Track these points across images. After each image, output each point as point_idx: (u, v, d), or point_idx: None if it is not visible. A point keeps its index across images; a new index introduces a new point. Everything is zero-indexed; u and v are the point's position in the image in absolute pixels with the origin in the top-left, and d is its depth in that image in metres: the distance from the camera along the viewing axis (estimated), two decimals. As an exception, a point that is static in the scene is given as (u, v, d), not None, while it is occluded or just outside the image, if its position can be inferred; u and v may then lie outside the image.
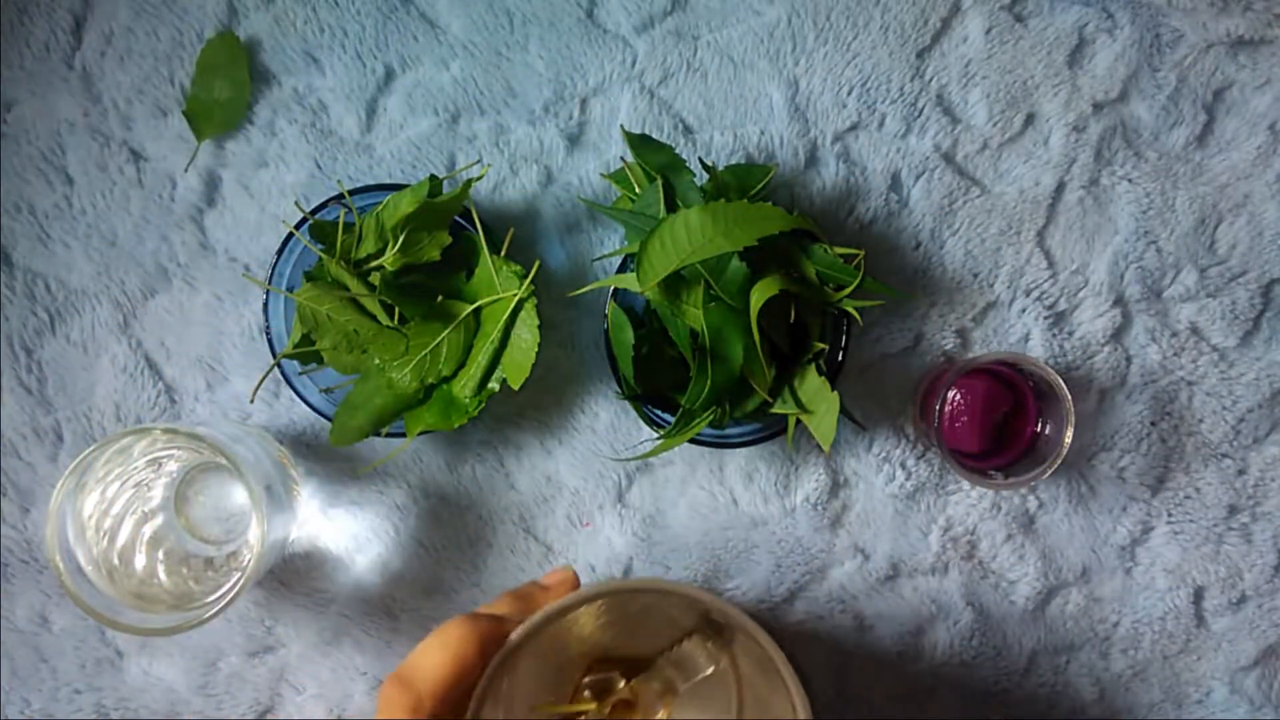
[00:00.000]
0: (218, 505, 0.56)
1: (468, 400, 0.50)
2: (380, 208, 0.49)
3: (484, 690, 0.40)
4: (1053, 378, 0.52)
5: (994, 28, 0.55)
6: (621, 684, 0.47)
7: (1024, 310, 0.56)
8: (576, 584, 0.46)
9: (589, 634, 0.47)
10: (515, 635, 0.39)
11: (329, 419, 0.50)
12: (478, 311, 0.50)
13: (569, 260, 0.56)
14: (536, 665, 0.47)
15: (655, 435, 0.51)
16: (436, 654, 0.39)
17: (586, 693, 0.48)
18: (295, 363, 0.52)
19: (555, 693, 0.49)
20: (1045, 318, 0.56)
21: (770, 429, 0.51)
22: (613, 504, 0.56)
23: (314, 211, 0.50)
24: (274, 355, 0.51)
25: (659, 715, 0.47)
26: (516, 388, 0.49)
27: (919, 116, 0.55)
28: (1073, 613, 0.58)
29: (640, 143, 0.50)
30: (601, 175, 0.54)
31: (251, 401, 0.55)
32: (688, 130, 0.55)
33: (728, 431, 0.52)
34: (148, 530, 0.54)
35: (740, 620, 0.40)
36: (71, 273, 0.56)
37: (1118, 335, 0.56)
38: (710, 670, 0.46)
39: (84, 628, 0.57)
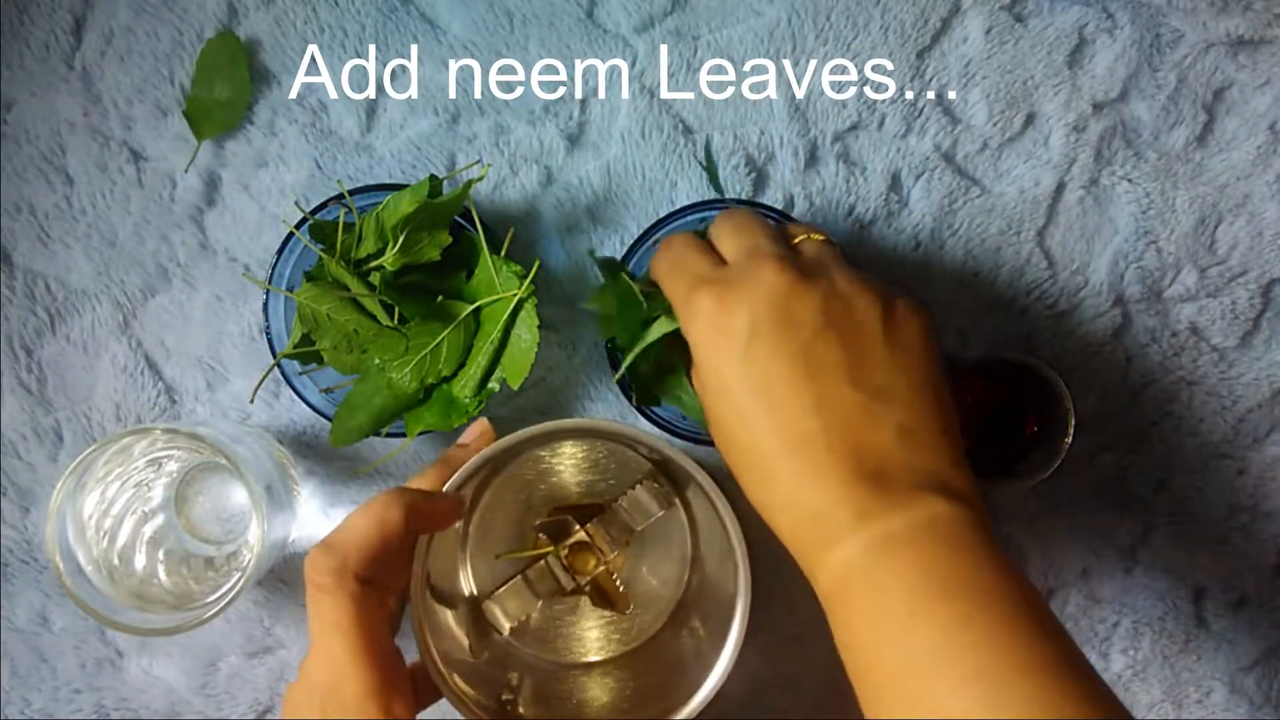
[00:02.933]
0: (218, 505, 0.56)
1: (468, 400, 0.50)
2: (380, 208, 0.49)
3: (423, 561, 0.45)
4: (1053, 378, 0.52)
5: (994, 28, 0.55)
6: (576, 527, 0.50)
7: (1024, 310, 0.56)
8: (492, 434, 0.50)
9: (547, 485, 0.54)
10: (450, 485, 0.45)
11: (329, 419, 0.51)
12: (478, 311, 0.50)
13: (569, 260, 0.56)
14: (500, 518, 0.51)
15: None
16: (361, 522, 0.42)
17: (541, 535, 0.52)
18: (295, 363, 0.52)
19: (518, 542, 0.54)
20: (1045, 318, 0.56)
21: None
22: (613, 504, 0.56)
23: (314, 211, 0.50)
24: (274, 355, 0.51)
25: (615, 555, 0.51)
26: (516, 388, 0.49)
27: (919, 116, 0.55)
28: (1072, 613, 0.58)
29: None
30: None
31: (251, 401, 0.55)
32: (688, 130, 0.55)
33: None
34: (148, 530, 0.54)
35: (687, 466, 0.46)
36: (71, 273, 0.56)
37: (1118, 335, 0.56)
38: (662, 513, 0.52)
39: (84, 628, 0.57)
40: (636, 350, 0.45)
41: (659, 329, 0.45)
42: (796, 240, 0.43)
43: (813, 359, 0.38)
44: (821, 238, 0.43)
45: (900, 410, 0.38)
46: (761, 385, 0.38)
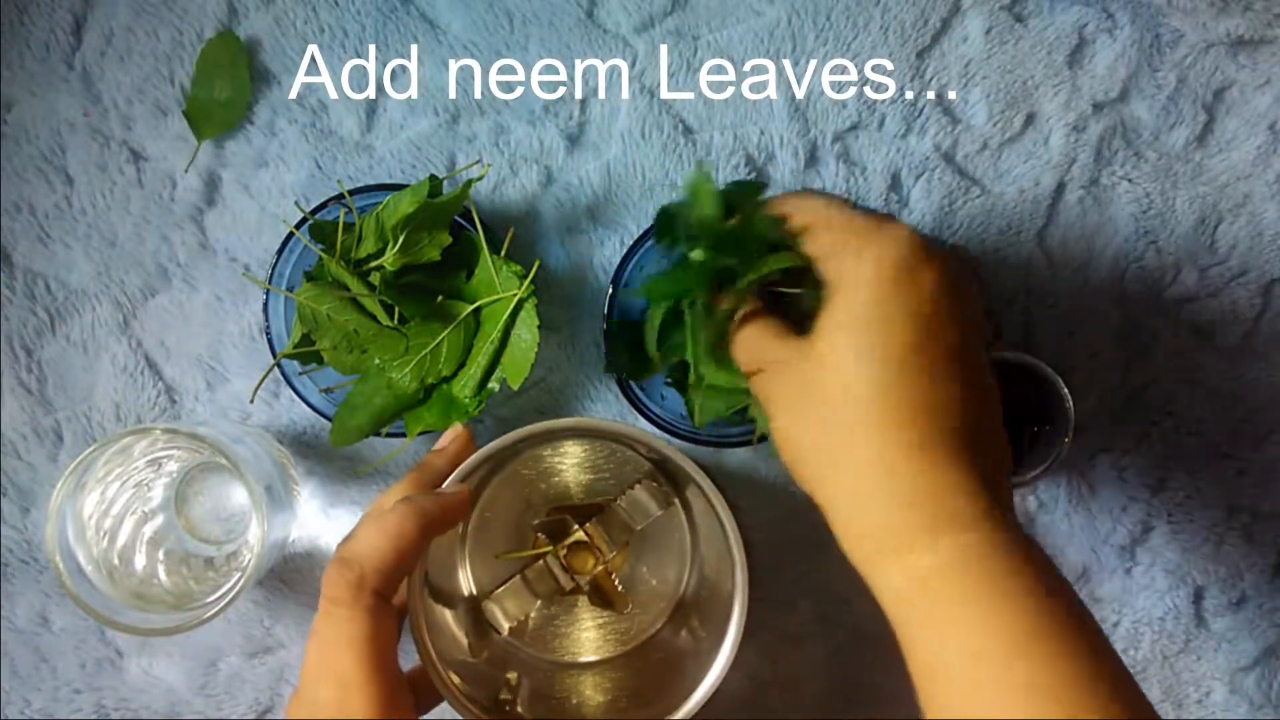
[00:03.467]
0: (218, 505, 0.56)
1: (468, 400, 0.50)
2: (380, 208, 0.49)
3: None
4: (1053, 378, 0.52)
5: (994, 28, 0.55)
6: (575, 527, 0.51)
7: (1024, 310, 0.56)
8: (469, 441, 0.50)
9: (547, 484, 0.54)
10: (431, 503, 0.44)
11: (329, 419, 0.51)
12: (478, 311, 0.50)
13: (569, 260, 0.56)
14: (499, 517, 0.54)
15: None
16: (378, 536, 0.42)
17: (540, 535, 0.52)
18: (295, 363, 0.52)
19: (517, 542, 0.54)
20: (1045, 318, 0.56)
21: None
22: (613, 504, 0.56)
23: (314, 211, 0.50)
24: (274, 355, 0.51)
25: (614, 555, 0.51)
26: (516, 388, 0.49)
27: (919, 116, 0.55)
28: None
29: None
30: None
31: (251, 401, 0.55)
32: (688, 130, 0.55)
33: (727, 431, 0.52)
34: (148, 530, 0.54)
35: (686, 466, 0.46)
36: (71, 273, 0.56)
37: (1118, 335, 0.56)
38: (661, 513, 0.52)
39: (84, 628, 0.57)
40: (752, 276, 0.41)
41: (778, 261, 0.41)
42: None
43: (970, 340, 0.39)
44: None
45: (995, 423, 0.41)
46: (925, 340, 0.37)
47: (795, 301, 0.42)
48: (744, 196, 0.43)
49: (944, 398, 0.37)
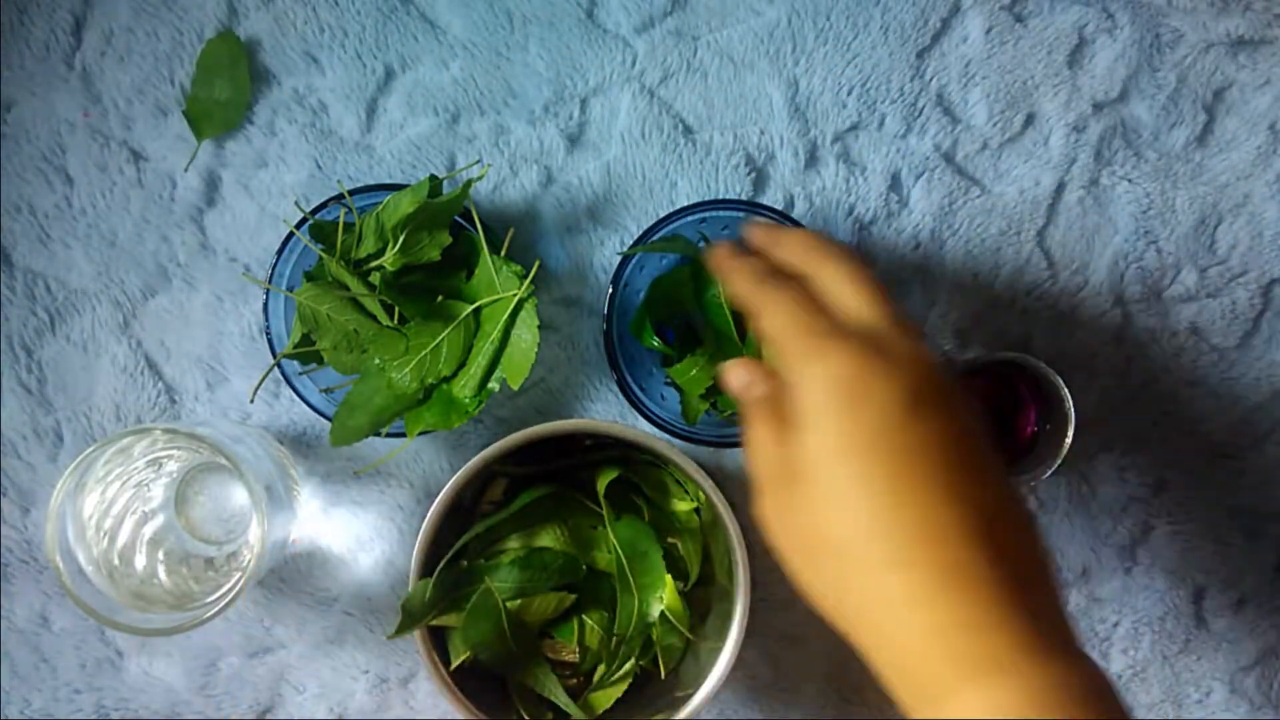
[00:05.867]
0: (218, 505, 0.56)
1: (468, 400, 0.50)
2: (380, 208, 0.49)
3: None
4: (1053, 378, 0.52)
5: (994, 28, 0.55)
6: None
7: (1024, 310, 0.56)
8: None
9: None
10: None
11: (329, 419, 0.50)
12: (478, 311, 0.50)
13: (569, 260, 0.56)
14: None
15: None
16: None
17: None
18: (295, 363, 0.52)
19: None
20: (1045, 317, 0.56)
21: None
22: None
23: (314, 211, 0.50)
24: (274, 355, 0.51)
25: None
26: (516, 388, 0.49)
27: (919, 116, 0.55)
28: (1073, 613, 0.58)
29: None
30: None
31: (251, 401, 0.55)
32: (688, 130, 0.55)
33: (727, 431, 0.52)
34: (148, 530, 0.54)
35: (687, 468, 0.47)
36: (71, 273, 0.56)
37: (1118, 335, 0.56)
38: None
39: (84, 628, 0.57)
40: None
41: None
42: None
43: (954, 463, 0.34)
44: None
45: (1031, 524, 0.35)
46: (895, 472, 0.33)
47: None
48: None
49: (947, 520, 0.33)
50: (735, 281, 0.41)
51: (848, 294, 0.38)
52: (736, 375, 0.39)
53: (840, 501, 0.34)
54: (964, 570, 0.32)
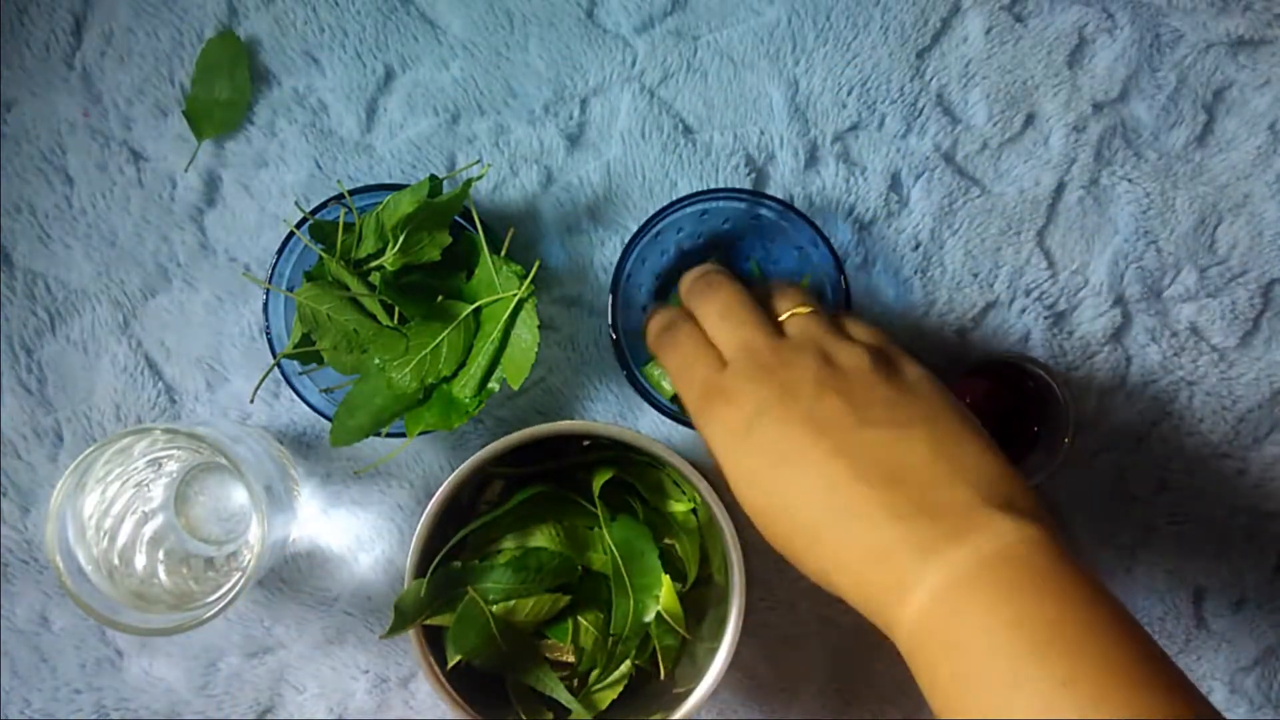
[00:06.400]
0: (218, 505, 0.56)
1: (468, 400, 0.50)
2: (380, 208, 0.49)
3: None
4: (1053, 377, 0.52)
5: (994, 28, 0.55)
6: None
7: (1024, 310, 0.56)
8: None
9: None
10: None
11: (329, 419, 0.50)
12: (478, 311, 0.50)
13: (569, 260, 0.56)
14: None
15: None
16: None
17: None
18: (295, 363, 0.52)
19: None
20: (1045, 318, 0.56)
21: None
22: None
23: (314, 211, 0.50)
24: (274, 355, 0.51)
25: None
26: (516, 388, 0.49)
27: (919, 116, 0.55)
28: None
29: None
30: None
31: (251, 401, 0.55)
32: (688, 130, 0.55)
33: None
34: (148, 530, 0.54)
35: (683, 469, 0.47)
36: (71, 273, 0.56)
37: (1118, 335, 0.56)
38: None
39: (84, 628, 0.57)
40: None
41: None
42: (782, 318, 0.44)
43: (818, 418, 0.39)
44: (807, 310, 0.44)
45: (926, 431, 0.38)
46: (777, 455, 0.39)
47: None
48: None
49: (864, 459, 0.38)
50: (648, 336, 0.48)
51: (723, 329, 0.44)
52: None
53: (757, 512, 0.40)
54: (860, 513, 0.37)
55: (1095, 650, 0.32)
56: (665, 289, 0.54)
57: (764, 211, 0.50)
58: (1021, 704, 0.31)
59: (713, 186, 0.56)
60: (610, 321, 0.50)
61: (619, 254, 0.51)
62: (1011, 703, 0.31)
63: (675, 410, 0.51)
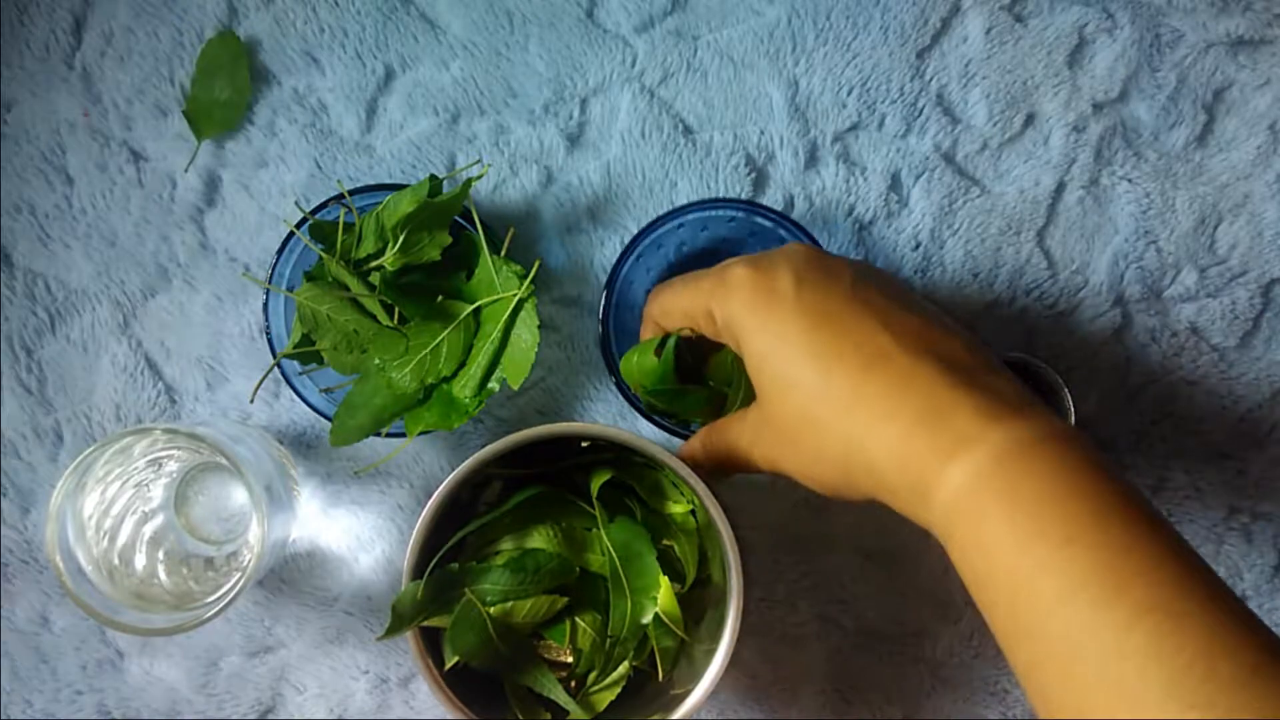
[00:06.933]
0: (218, 505, 0.56)
1: (468, 400, 0.50)
2: (380, 208, 0.49)
3: None
4: (1053, 378, 0.52)
5: (994, 28, 0.55)
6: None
7: (1024, 310, 0.56)
8: None
9: None
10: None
11: (329, 419, 0.50)
12: (478, 311, 0.50)
13: (569, 260, 0.56)
14: None
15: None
16: None
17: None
18: (295, 363, 0.52)
19: None
20: (1045, 318, 0.56)
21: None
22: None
23: (314, 211, 0.50)
24: (274, 355, 0.51)
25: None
26: (516, 388, 0.49)
27: (919, 116, 0.55)
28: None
29: None
30: None
31: (251, 401, 0.55)
32: (688, 130, 0.55)
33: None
34: (148, 530, 0.54)
35: (681, 472, 0.46)
36: (71, 273, 0.56)
37: (1118, 335, 0.56)
38: None
39: (85, 628, 0.57)
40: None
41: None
42: None
43: (860, 297, 0.39)
44: None
45: (958, 327, 0.39)
46: (823, 319, 0.38)
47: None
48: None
49: (911, 333, 0.38)
50: (653, 314, 0.47)
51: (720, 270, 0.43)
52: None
53: (787, 383, 0.39)
54: (913, 377, 0.36)
55: (1149, 528, 0.32)
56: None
57: (762, 220, 0.50)
58: (1082, 560, 0.32)
59: (713, 188, 0.56)
60: (600, 330, 0.50)
61: (616, 258, 0.51)
62: (1071, 558, 0.32)
63: (665, 421, 0.51)
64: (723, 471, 0.45)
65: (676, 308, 0.44)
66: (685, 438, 0.51)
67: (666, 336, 0.46)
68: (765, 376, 0.40)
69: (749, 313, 0.40)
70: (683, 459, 0.46)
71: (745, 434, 0.42)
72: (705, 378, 0.48)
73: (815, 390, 0.38)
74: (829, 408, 0.38)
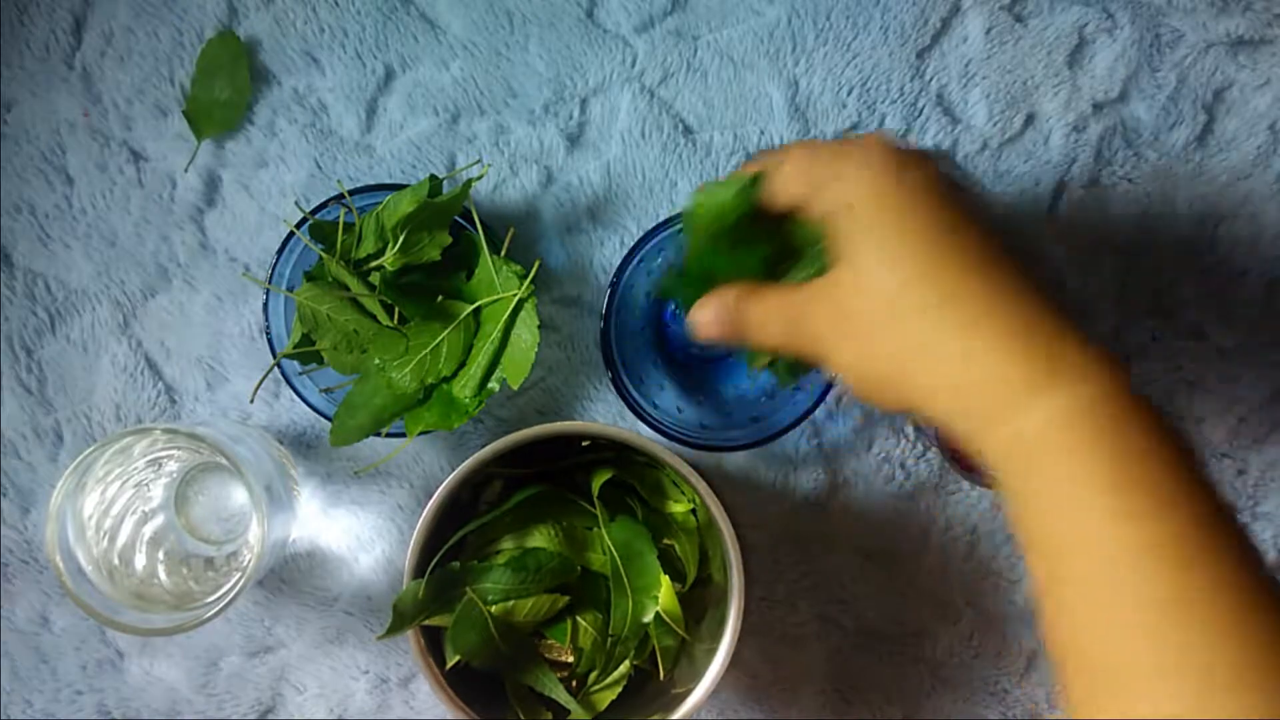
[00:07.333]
0: (218, 505, 0.56)
1: (468, 400, 0.50)
2: (380, 208, 0.49)
3: None
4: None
5: (994, 28, 0.55)
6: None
7: (1024, 310, 0.56)
8: None
9: None
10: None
11: (329, 419, 0.51)
12: (478, 311, 0.50)
13: (569, 260, 0.56)
14: None
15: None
16: None
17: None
18: (295, 363, 0.52)
19: None
20: (1045, 318, 0.56)
21: (766, 433, 0.51)
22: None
23: (314, 211, 0.50)
24: (274, 355, 0.51)
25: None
26: (516, 387, 0.49)
27: (919, 116, 0.55)
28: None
29: None
30: None
31: (251, 401, 0.55)
32: (688, 130, 0.55)
33: (730, 434, 0.52)
34: (148, 530, 0.54)
35: (681, 470, 0.47)
36: (71, 273, 0.56)
37: (1118, 335, 0.56)
38: None
39: (85, 628, 0.57)
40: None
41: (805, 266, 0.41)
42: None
43: (980, 220, 0.37)
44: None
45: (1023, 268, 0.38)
46: (942, 221, 0.36)
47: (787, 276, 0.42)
48: (743, 193, 0.42)
49: (994, 265, 0.36)
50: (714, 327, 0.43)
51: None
52: (707, 313, 0.42)
53: (885, 263, 0.36)
54: (1019, 295, 0.35)
55: (1210, 512, 0.32)
56: (664, 293, 0.54)
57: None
58: (1134, 534, 0.32)
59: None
60: (602, 328, 0.50)
61: (619, 261, 0.51)
62: (1127, 522, 0.32)
63: (661, 421, 0.51)
64: (735, 339, 0.42)
65: (790, 171, 0.40)
66: (679, 439, 0.51)
67: (753, 178, 0.41)
68: (861, 253, 0.37)
69: (873, 191, 0.37)
70: (693, 319, 0.42)
71: (796, 304, 0.39)
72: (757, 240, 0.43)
73: (912, 277, 0.36)
74: (918, 298, 0.35)
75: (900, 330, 0.36)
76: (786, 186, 0.39)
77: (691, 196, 0.42)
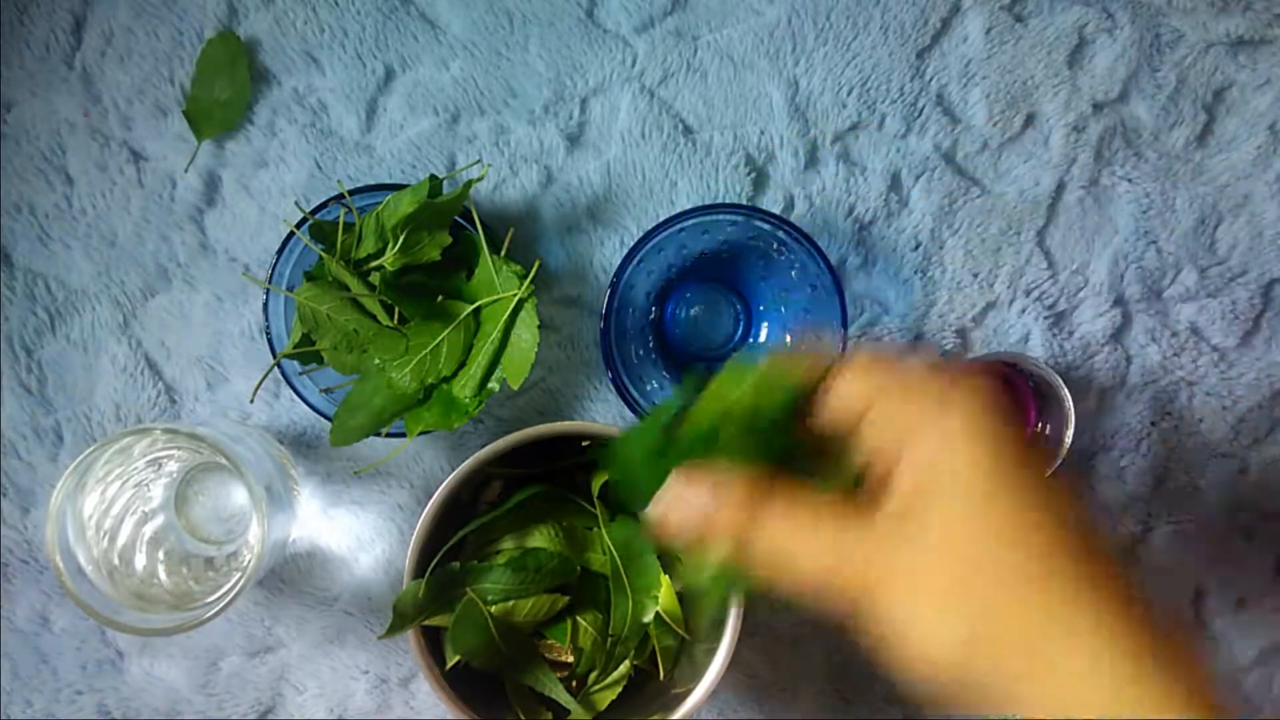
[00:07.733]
0: (218, 505, 0.56)
1: (468, 400, 0.50)
2: (380, 208, 0.49)
3: None
4: (1053, 378, 0.52)
5: (994, 28, 0.55)
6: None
7: (1024, 310, 0.56)
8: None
9: None
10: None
11: (329, 419, 0.50)
12: (478, 311, 0.50)
13: (569, 260, 0.56)
14: None
15: None
16: None
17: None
18: (295, 363, 0.52)
19: None
20: (1045, 318, 0.56)
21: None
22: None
23: (314, 211, 0.50)
24: (274, 355, 0.51)
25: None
26: (516, 387, 0.49)
27: (919, 116, 0.55)
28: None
29: None
30: None
31: (251, 401, 0.55)
32: (688, 130, 0.55)
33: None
34: (148, 530, 0.54)
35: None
36: (71, 273, 0.56)
37: (1118, 335, 0.56)
38: None
39: (85, 628, 0.57)
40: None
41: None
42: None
43: (1070, 500, 0.32)
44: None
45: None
46: (1040, 488, 0.31)
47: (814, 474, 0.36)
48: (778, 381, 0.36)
49: (1094, 540, 0.31)
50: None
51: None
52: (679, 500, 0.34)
53: (979, 504, 0.31)
54: (1126, 604, 0.30)
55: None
56: (664, 294, 0.54)
57: (761, 224, 0.50)
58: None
59: (713, 187, 0.56)
60: (602, 328, 0.50)
61: (620, 261, 0.51)
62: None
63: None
64: (718, 548, 0.34)
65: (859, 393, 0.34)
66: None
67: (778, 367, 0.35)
68: (949, 490, 0.31)
69: (975, 433, 0.32)
70: (659, 510, 0.35)
71: (850, 529, 0.32)
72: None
73: (1005, 538, 0.31)
74: (1020, 570, 0.30)
75: (994, 594, 0.31)
76: (850, 405, 0.34)
77: (621, 433, 0.38)
